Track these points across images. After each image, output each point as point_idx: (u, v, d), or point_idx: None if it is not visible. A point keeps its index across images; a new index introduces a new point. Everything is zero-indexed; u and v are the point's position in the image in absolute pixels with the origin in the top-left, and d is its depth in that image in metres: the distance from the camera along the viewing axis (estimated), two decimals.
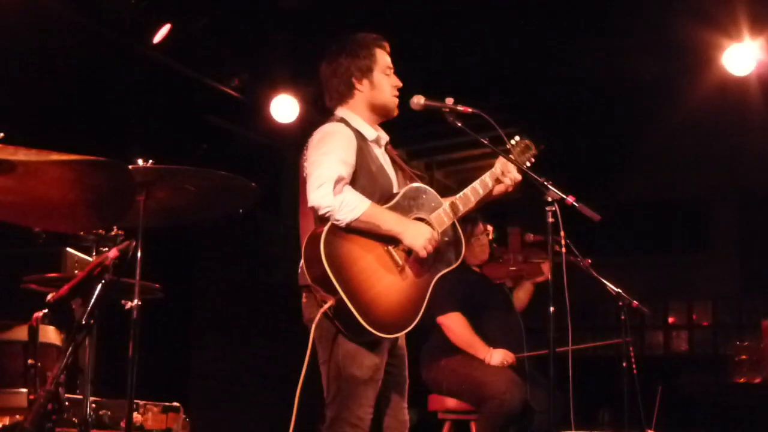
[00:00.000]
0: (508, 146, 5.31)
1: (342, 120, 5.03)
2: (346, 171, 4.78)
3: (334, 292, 4.59)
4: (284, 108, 9.35)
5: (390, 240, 4.80)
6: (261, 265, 10.40)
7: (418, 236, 4.80)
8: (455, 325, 7.18)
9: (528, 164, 5.36)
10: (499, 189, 5.27)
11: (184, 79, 8.61)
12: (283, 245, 10.12)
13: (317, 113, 9.14)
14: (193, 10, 7.98)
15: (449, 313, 7.16)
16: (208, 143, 9.36)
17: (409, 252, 4.83)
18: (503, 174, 5.22)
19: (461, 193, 5.11)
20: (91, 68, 7.86)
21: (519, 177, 5.22)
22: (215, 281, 9.87)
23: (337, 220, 4.66)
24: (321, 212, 4.68)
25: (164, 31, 7.78)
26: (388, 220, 4.77)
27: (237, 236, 9.82)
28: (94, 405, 4.92)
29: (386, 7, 8.29)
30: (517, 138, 5.41)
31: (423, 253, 4.79)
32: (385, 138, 5.18)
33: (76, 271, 5.80)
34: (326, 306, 4.63)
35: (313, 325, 4.70)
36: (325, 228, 4.66)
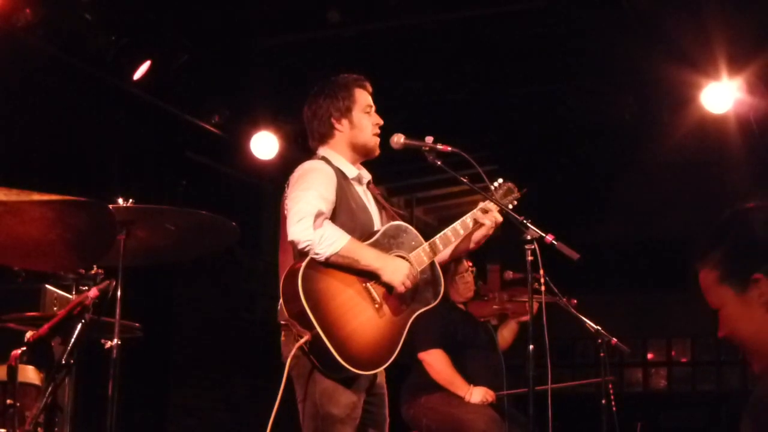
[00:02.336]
0: (491, 188, 5.34)
1: (323, 158, 5.06)
2: (326, 207, 4.80)
3: (311, 327, 4.59)
4: (264, 145, 9.34)
5: (369, 276, 4.81)
6: (240, 302, 10.39)
7: (397, 272, 4.81)
8: (436, 361, 7.17)
9: (510, 207, 5.37)
10: (480, 232, 5.25)
11: (164, 115, 8.61)
12: (262, 282, 10.12)
13: (300, 151, 9.19)
14: (173, 46, 7.99)
15: (431, 350, 7.15)
16: (188, 180, 9.35)
17: (388, 289, 4.84)
18: (483, 215, 5.22)
19: (441, 233, 5.12)
20: (71, 105, 7.86)
21: (500, 218, 5.21)
22: (194, 318, 9.84)
23: (317, 254, 4.67)
24: (300, 246, 4.69)
25: (144, 67, 7.78)
26: (367, 255, 4.79)
27: (216, 273, 9.81)
28: None
29: (366, 45, 8.32)
30: (500, 181, 5.44)
31: (401, 289, 4.80)
32: (367, 176, 5.21)
33: (55, 309, 5.79)
34: (302, 341, 4.61)
35: (288, 360, 4.67)
36: (304, 263, 4.67)
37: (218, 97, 8.92)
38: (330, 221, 4.77)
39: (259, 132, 9.33)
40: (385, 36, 8.29)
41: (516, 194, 5.49)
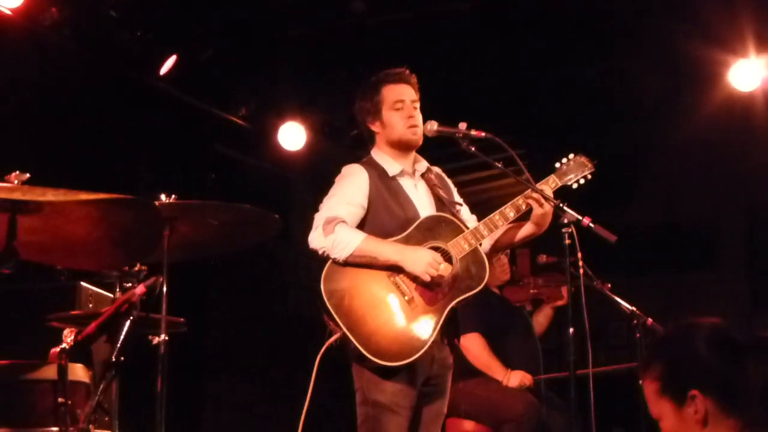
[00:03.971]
0: (558, 164, 5.33)
1: (368, 159, 5.21)
2: (346, 210, 4.93)
3: (338, 326, 4.76)
4: (292, 136, 9.33)
5: (394, 270, 4.85)
6: (272, 294, 10.38)
7: (418, 262, 4.85)
8: (473, 346, 7.16)
9: (582, 181, 5.37)
10: (538, 211, 5.16)
11: (191, 108, 8.61)
12: (293, 273, 10.11)
13: (328, 141, 9.20)
14: (199, 39, 7.98)
15: (468, 334, 7.14)
16: (216, 173, 9.36)
17: (417, 280, 4.87)
18: (538, 197, 5.14)
19: (487, 218, 5.11)
20: (98, 102, 7.86)
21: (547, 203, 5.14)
22: (226, 311, 9.85)
23: (334, 258, 4.84)
24: (319, 253, 4.88)
25: (170, 62, 7.78)
26: (385, 251, 4.86)
27: (247, 265, 9.81)
28: None
29: (391, 34, 8.29)
30: (571, 155, 5.43)
31: (426, 278, 4.84)
32: (421, 168, 5.28)
33: (90, 306, 5.80)
34: (332, 338, 4.83)
35: (318, 356, 4.85)
36: (326, 266, 4.86)
37: (245, 89, 8.90)
38: (345, 224, 4.83)
39: (286, 123, 9.32)
40: (409, 24, 8.26)
41: (589, 167, 5.44)
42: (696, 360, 2.76)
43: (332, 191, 5.08)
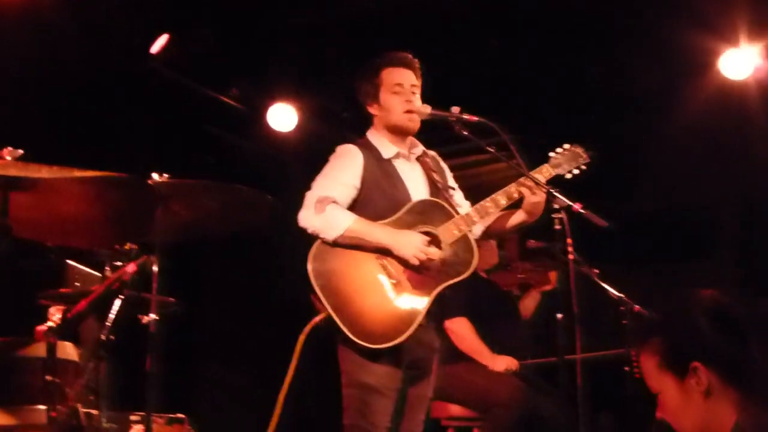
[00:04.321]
0: (552, 154, 5.34)
1: (364, 140, 5.21)
2: (338, 190, 4.94)
3: (323, 306, 4.78)
4: (282, 117, 9.32)
5: (383, 252, 4.85)
6: (265, 276, 10.37)
7: (408, 245, 4.87)
8: (461, 329, 7.17)
9: (576, 171, 5.38)
10: (532, 199, 5.17)
11: (181, 88, 8.59)
12: (286, 256, 10.09)
13: (319, 123, 9.19)
14: (191, 20, 7.96)
15: (455, 318, 7.15)
16: (213, 154, 9.35)
17: (406, 264, 4.87)
18: (531, 185, 5.15)
19: (478, 204, 5.12)
20: (93, 80, 7.84)
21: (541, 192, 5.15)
22: (219, 291, 9.85)
23: (323, 238, 4.86)
24: (308, 231, 4.90)
25: (162, 41, 7.75)
26: (375, 233, 4.87)
27: (241, 247, 9.80)
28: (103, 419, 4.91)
29: (386, 19, 8.28)
30: (567, 146, 5.44)
31: (414, 262, 4.86)
32: (417, 152, 5.29)
33: (77, 284, 5.78)
34: (316, 318, 4.85)
35: (301, 337, 4.89)
36: (314, 245, 4.88)
37: (235, 69, 8.88)
38: (336, 204, 4.83)
39: (276, 104, 9.30)
40: (406, 9, 8.24)
41: (584, 158, 5.45)
42: (697, 333, 2.77)
43: (325, 170, 5.08)
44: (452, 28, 8.51)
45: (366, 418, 4.82)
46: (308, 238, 4.94)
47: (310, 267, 4.81)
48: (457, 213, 5.09)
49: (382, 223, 4.94)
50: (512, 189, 5.15)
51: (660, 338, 2.86)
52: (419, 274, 4.92)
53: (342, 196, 4.96)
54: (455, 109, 5.06)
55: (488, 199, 5.11)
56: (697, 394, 2.74)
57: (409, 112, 5.13)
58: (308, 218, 4.88)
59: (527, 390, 6.95)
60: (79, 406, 3.40)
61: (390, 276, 4.88)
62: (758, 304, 2.90)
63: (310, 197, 4.93)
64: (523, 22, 8.43)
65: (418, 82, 5.24)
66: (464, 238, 5.06)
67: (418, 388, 5.10)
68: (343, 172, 5.03)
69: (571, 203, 4.84)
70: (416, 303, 4.90)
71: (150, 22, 7.62)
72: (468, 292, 7.05)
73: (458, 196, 5.34)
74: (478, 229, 5.23)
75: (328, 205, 4.86)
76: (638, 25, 8.33)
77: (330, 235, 4.82)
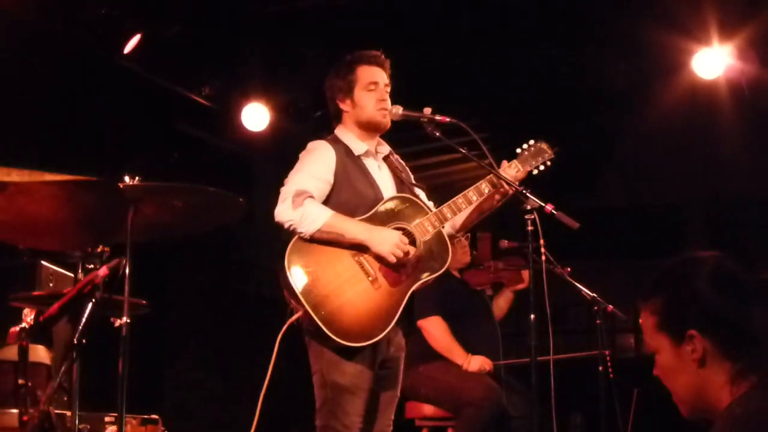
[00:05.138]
0: (518, 150, 5.36)
1: (333, 136, 5.19)
2: (314, 185, 4.91)
3: (300, 304, 4.72)
4: (255, 116, 9.30)
5: (360, 249, 4.85)
6: (233, 273, 10.36)
7: (384, 243, 4.85)
8: (435, 329, 7.18)
9: (542, 168, 5.40)
10: (488, 202, 5.28)
11: (154, 87, 8.55)
12: (254, 253, 10.09)
13: (291, 122, 9.19)
14: (163, 18, 7.92)
15: (429, 317, 7.16)
16: (179, 152, 9.31)
17: (382, 260, 4.87)
18: (497, 183, 5.20)
19: (451, 201, 5.13)
20: (61, 79, 7.79)
21: (510, 189, 5.17)
22: (187, 290, 9.82)
23: (301, 233, 4.81)
24: (285, 226, 4.84)
25: (135, 40, 7.72)
26: (352, 229, 4.85)
27: (209, 246, 9.78)
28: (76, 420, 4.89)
29: (357, 14, 8.27)
30: (531, 141, 5.45)
31: (391, 259, 4.84)
32: (384, 151, 5.30)
33: (51, 285, 5.76)
34: (294, 317, 4.80)
35: (279, 335, 4.82)
36: (291, 241, 4.82)
37: (208, 68, 8.86)
38: (313, 199, 4.82)
39: (250, 103, 9.29)
40: (376, 5, 8.24)
41: (549, 154, 5.46)
42: (697, 299, 2.72)
43: (299, 165, 5.04)
44: (422, 23, 8.51)
45: (338, 419, 4.81)
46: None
47: (286, 264, 4.76)
48: (430, 210, 5.09)
49: (357, 219, 4.93)
50: (483, 186, 5.18)
51: (659, 299, 2.82)
52: (395, 271, 4.92)
53: (317, 191, 4.94)
54: (427, 110, 5.07)
55: (459, 196, 5.13)
56: (692, 361, 2.72)
57: (383, 109, 5.13)
58: (285, 212, 4.83)
59: (500, 390, 6.96)
60: (51, 409, 3.37)
61: (367, 274, 4.87)
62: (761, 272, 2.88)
63: (287, 192, 4.88)
64: (494, 16, 8.43)
65: (389, 82, 5.25)
66: (438, 235, 5.07)
67: (387, 389, 5.10)
68: (317, 167, 5.01)
69: (543, 204, 4.85)
70: (393, 301, 4.90)
71: (121, 17, 7.55)
72: (441, 291, 7.07)
73: (422, 196, 5.34)
74: (448, 226, 5.24)
75: (306, 199, 4.83)
76: (612, 24, 8.36)
77: (307, 229, 4.78)
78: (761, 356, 2.71)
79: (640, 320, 2.88)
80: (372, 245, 4.85)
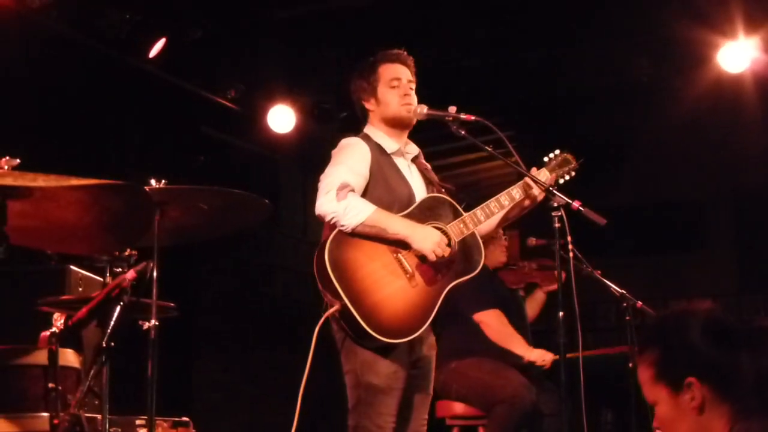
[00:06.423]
0: (545, 159, 5.38)
1: (364, 135, 5.16)
2: (354, 180, 4.87)
3: (339, 297, 4.68)
4: (281, 118, 9.33)
5: (400, 245, 4.84)
6: (259, 276, 10.38)
7: (427, 240, 4.83)
8: (495, 321, 7.17)
9: (566, 177, 5.42)
10: (529, 199, 5.28)
11: (180, 91, 8.59)
12: (280, 255, 10.12)
13: (317, 124, 9.21)
14: (187, 22, 7.95)
15: (488, 310, 7.16)
16: (206, 155, 9.34)
17: (421, 258, 4.86)
18: (530, 188, 5.22)
19: (484, 204, 5.12)
20: (87, 85, 7.83)
21: (540, 194, 5.21)
22: (214, 293, 9.85)
23: (343, 226, 4.77)
24: (327, 219, 4.79)
25: (160, 45, 7.75)
26: (395, 224, 4.83)
27: (235, 247, 9.81)
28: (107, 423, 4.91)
29: (379, 15, 8.28)
30: (557, 152, 5.48)
31: (432, 257, 4.82)
32: (414, 151, 5.30)
33: (80, 289, 5.79)
34: (331, 310, 4.73)
35: (316, 329, 4.76)
36: (332, 234, 4.77)
37: (234, 71, 8.89)
38: (355, 193, 4.81)
39: (275, 106, 9.31)
40: (397, 5, 8.25)
41: (573, 165, 5.49)
42: (692, 348, 2.77)
43: (336, 160, 5.00)
44: (443, 22, 8.52)
45: (372, 420, 4.79)
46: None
47: (327, 257, 4.70)
48: (464, 211, 5.09)
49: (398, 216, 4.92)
50: (515, 191, 5.18)
51: (655, 351, 2.86)
52: (432, 269, 4.91)
53: (357, 185, 4.90)
54: (452, 109, 5.06)
55: (492, 200, 5.13)
56: (691, 409, 2.75)
57: (407, 104, 5.13)
58: (329, 204, 4.77)
59: (532, 387, 6.94)
60: (81, 412, 3.38)
61: (405, 271, 4.85)
62: (752, 320, 2.90)
63: (330, 184, 4.83)
64: (518, 13, 8.42)
65: (413, 78, 5.25)
66: (472, 236, 5.06)
67: (420, 388, 5.08)
68: (355, 162, 4.96)
69: (570, 201, 4.85)
70: (430, 299, 4.88)
71: (144, 22, 7.58)
72: (493, 286, 7.06)
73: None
74: (482, 228, 5.23)
75: (349, 192, 4.81)
76: (638, 18, 8.35)
77: (351, 222, 4.73)
78: (759, 396, 2.74)
79: (638, 375, 2.91)
80: (414, 242, 4.83)
